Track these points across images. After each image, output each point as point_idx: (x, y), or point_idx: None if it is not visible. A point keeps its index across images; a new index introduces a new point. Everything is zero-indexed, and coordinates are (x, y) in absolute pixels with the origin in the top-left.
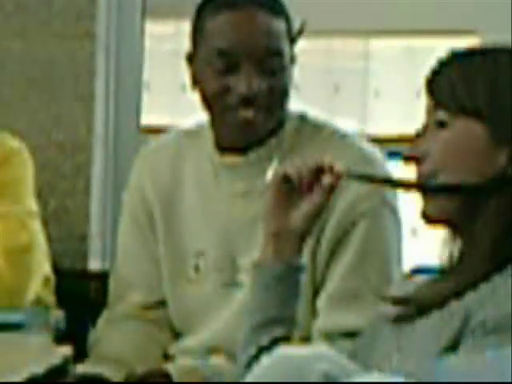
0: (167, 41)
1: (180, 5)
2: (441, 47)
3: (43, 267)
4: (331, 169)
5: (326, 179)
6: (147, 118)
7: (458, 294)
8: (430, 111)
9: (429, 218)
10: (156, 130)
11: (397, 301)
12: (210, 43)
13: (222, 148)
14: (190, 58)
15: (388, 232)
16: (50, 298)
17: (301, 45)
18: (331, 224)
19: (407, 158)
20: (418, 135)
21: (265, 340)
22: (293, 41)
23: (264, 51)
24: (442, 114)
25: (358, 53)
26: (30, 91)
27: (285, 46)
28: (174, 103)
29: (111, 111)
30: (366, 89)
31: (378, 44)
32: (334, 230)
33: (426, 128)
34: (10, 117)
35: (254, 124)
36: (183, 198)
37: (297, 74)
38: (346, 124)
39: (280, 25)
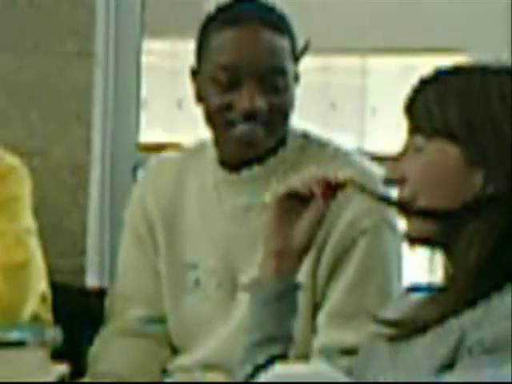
0: (164, 58)
1: (177, 23)
2: (438, 65)
3: (40, 284)
4: (336, 179)
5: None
6: (144, 135)
7: (454, 313)
8: (409, 134)
9: (412, 240)
10: (153, 147)
11: (389, 323)
12: (213, 59)
13: (225, 164)
14: (195, 74)
15: (388, 250)
16: (47, 316)
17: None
18: (332, 241)
19: (387, 180)
20: (398, 157)
21: (261, 358)
22: (297, 59)
23: (267, 69)
24: (419, 138)
25: (355, 70)
26: (28, 109)
27: (288, 64)
28: (170, 120)
29: (109, 129)
30: (363, 106)
31: (375, 61)
32: (334, 247)
33: (406, 150)
34: (8, 134)
35: (255, 139)
36: (185, 213)
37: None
38: (343, 141)
39: (284, 43)
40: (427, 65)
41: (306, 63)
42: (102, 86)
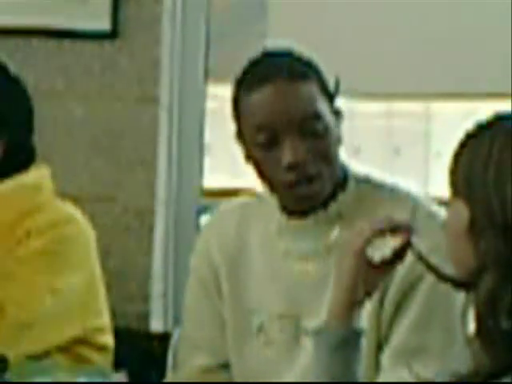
0: (228, 103)
1: (241, 68)
2: (501, 110)
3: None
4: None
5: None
6: (208, 180)
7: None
8: None
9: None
10: (217, 192)
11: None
12: (247, 121)
13: (287, 210)
14: (239, 133)
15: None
16: (107, 367)
17: (361, 107)
18: (396, 280)
19: None
20: None
21: None
22: (332, 98)
23: (301, 119)
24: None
25: (419, 114)
26: (93, 155)
27: (321, 106)
28: (234, 165)
29: (173, 174)
30: (428, 150)
31: (439, 106)
32: (398, 285)
33: None
34: (73, 181)
35: (312, 197)
36: (249, 259)
37: (357, 135)
38: (407, 185)
39: (311, 87)
40: (490, 109)
41: (370, 108)
42: (167, 131)
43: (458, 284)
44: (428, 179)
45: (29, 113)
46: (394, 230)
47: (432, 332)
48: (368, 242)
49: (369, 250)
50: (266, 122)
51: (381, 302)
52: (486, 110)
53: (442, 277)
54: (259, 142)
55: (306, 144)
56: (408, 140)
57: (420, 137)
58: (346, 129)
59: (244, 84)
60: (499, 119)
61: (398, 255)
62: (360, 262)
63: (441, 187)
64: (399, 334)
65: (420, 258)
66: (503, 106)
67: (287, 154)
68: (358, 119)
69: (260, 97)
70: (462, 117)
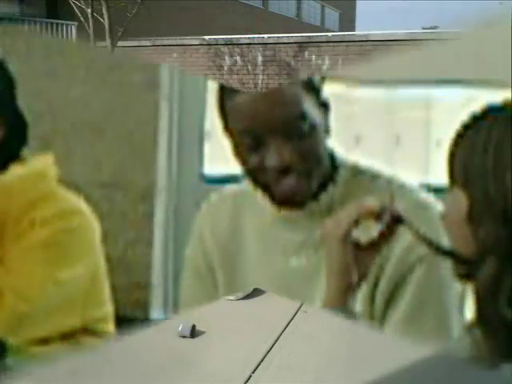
0: None
1: None
2: (504, 97)
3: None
4: (396, 213)
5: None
6: (208, 167)
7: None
8: None
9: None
10: (217, 179)
11: None
12: (232, 124)
13: (279, 201)
14: (226, 129)
15: (445, 277)
16: None
17: (361, 95)
18: (389, 268)
19: None
20: None
21: None
22: (318, 92)
23: (285, 121)
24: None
25: (420, 102)
26: (94, 140)
27: (306, 105)
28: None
29: (174, 161)
30: (428, 139)
31: (439, 93)
32: (391, 275)
33: None
34: (73, 167)
35: (296, 195)
36: (243, 249)
37: (357, 124)
38: (407, 175)
39: (296, 87)
40: (492, 97)
41: (369, 96)
42: (167, 118)
43: (459, 259)
44: (428, 168)
45: (14, 92)
46: (379, 213)
47: (426, 321)
48: (351, 228)
49: (356, 233)
50: (249, 126)
51: (373, 292)
52: (486, 97)
53: (442, 251)
54: (245, 144)
55: (292, 145)
56: (408, 128)
57: (420, 125)
58: (345, 117)
59: (227, 86)
60: (497, 108)
61: (385, 235)
62: (346, 247)
63: (441, 176)
64: (393, 324)
65: (418, 234)
66: (504, 94)
67: (272, 157)
68: (358, 107)
69: (243, 101)
70: (462, 105)
